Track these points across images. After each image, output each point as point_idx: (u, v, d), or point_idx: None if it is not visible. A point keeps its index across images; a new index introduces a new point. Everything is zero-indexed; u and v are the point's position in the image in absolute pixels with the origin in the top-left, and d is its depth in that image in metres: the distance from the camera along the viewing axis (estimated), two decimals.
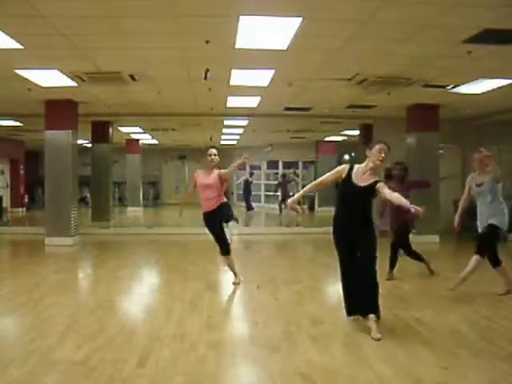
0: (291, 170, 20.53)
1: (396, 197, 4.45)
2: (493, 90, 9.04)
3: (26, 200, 20.68)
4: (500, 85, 8.67)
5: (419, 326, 4.78)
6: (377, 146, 4.63)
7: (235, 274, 6.63)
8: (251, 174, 21.01)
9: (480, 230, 5.99)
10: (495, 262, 5.98)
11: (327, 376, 3.59)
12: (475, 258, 5.96)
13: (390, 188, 4.70)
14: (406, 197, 6.92)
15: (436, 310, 5.34)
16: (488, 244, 5.93)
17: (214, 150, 6.38)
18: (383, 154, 4.59)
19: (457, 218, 6.27)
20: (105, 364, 3.74)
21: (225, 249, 6.51)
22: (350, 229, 4.68)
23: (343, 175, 4.72)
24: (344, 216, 4.73)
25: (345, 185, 4.71)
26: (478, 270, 5.97)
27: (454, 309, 5.43)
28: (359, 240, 4.65)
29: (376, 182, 4.56)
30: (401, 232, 7.00)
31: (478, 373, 3.67)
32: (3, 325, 4.86)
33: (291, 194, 18.75)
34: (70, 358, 3.85)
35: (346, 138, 18.16)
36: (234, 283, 6.54)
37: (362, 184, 4.60)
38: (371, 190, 4.55)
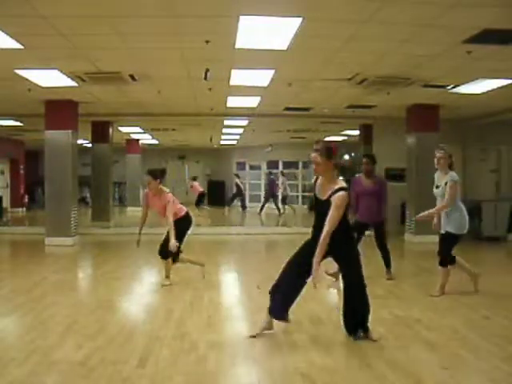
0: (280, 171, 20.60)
1: (321, 241, 4.01)
2: (493, 90, 9.04)
3: (26, 200, 20.67)
4: (500, 85, 8.67)
5: (419, 325, 4.78)
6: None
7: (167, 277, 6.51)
8: (237, 176, 21.06)
9: (443, 232, 5.90)
10: (450, 262, 5.90)
11: (327, 376, 3.58)
12: (441, 270, 5.93)
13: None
14: (375, 192, 6.73)
15: (436, 310, 5.34)
16: (445, 249, 5.88)
17: (147, 178, 6.36)
18: (314, 165, 4.17)
19: (435, 220, 6.12)
20: (105, 364, 3.74)
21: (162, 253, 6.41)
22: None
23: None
24: (316, 229, 4.22)
25: (314, 196, 4.37)
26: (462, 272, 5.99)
27: (454, 309, 5.43)
28: (337, 252, 4.26)
29: (332, 194, 4.07)
30: (379, 227, 6.92)
31: (479, 373, 3.67)
32: (3, 325, 4.85)
33: (278, 193, 18.76)
34: (70, 358, 3.85)
35: (345, 137, 18.16)
36: (162, 285, 6.46)
37: (323, 198, 4.18)
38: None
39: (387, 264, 6.95)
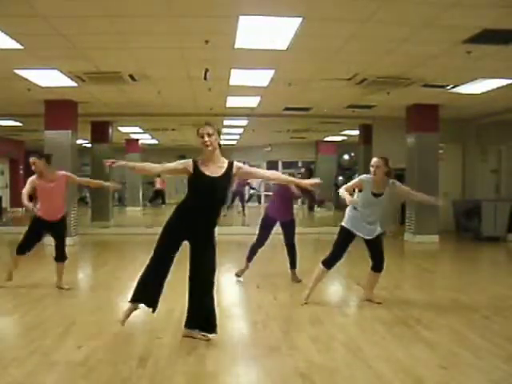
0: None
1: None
2: (493, 90, 9.04)
3: None
4: (500, 85, 8.67)
5: (419, 325, 4.78)
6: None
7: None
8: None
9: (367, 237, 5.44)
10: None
11: (327, 376, 3.58)
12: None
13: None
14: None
15: (436, 310, 5.34)
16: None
17: None
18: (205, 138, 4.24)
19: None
20: (105, 364, 3.74)
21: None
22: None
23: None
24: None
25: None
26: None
27: (454, 309, 5.43)
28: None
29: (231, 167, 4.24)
30: (292, 224, 6.84)
31: (479, 373, 3.66)
32: (3, 325, 4.86)
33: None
34: (69, 359, 3.85)
35: (345, 137, 18.17)
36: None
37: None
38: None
39: (293, 265, 6.84)
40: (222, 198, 4.34)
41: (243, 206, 17.97)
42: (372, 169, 5.26)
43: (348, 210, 5.47)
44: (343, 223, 5.47)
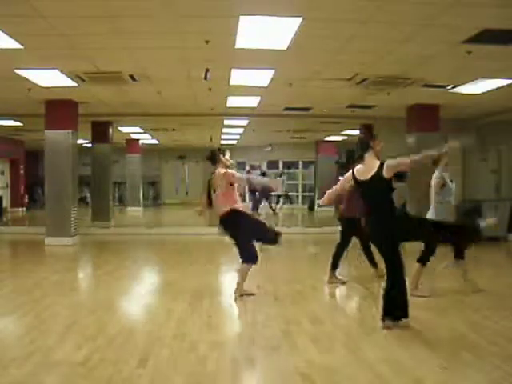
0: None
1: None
2: (493, 90, 9.04)
3: (26, 200, 20.66)
4: (500, 85, 8.67)
5: (419, 325, 4.78)
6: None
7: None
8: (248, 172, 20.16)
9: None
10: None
11: (327, 376, 3.58)
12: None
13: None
14: None
15: (436, 310, 5.34)
16: None
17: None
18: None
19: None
20: (105, 364, 3.74)
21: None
22: None
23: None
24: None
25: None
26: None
27: (454, 309, 5.42)
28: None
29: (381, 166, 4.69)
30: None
31: (479, 373, 3.66)
32: (3, 325, 4.85)
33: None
34: (70, 359, 3.85)
35: (346, 137, 18.16)
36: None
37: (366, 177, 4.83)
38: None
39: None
40: None
41: (271, 207, 17.95)
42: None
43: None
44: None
